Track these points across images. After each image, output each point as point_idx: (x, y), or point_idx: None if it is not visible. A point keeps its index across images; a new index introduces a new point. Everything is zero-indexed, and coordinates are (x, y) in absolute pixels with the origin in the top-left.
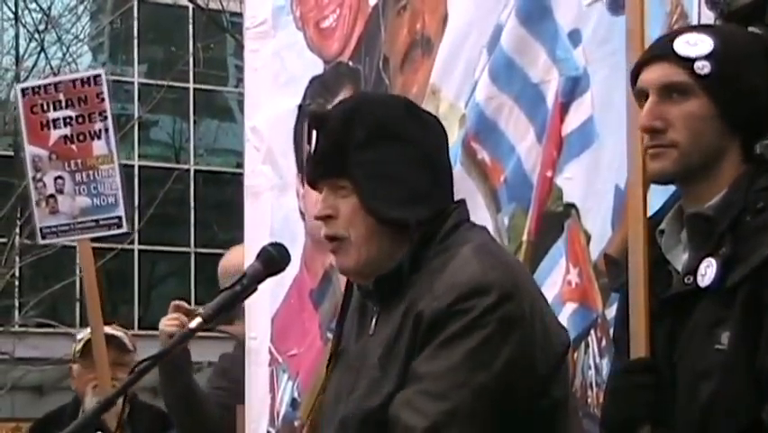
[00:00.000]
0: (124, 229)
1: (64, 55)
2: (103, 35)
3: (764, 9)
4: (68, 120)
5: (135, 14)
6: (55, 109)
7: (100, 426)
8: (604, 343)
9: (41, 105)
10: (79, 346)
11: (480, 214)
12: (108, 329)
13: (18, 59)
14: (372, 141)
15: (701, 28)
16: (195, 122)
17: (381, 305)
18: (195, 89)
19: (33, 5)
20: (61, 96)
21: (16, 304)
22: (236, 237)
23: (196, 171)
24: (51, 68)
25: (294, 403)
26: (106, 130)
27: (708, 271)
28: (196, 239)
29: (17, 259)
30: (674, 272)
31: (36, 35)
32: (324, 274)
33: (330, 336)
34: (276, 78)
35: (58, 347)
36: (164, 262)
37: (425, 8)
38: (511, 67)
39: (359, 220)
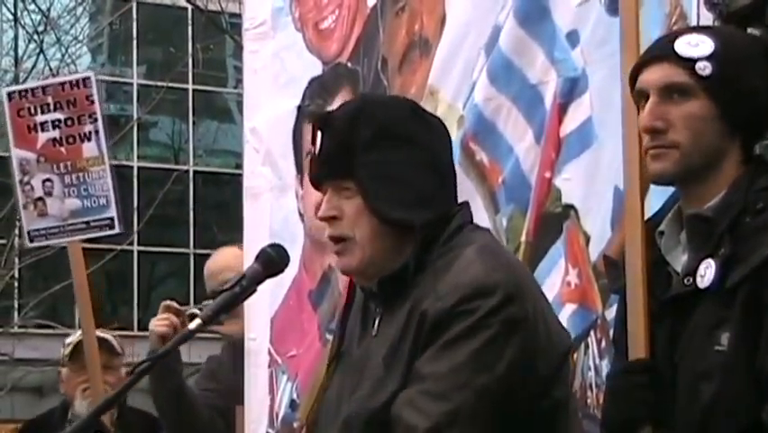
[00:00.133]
0: (117, 230)
1: (63, 56)
2: (102, 36)
3: (763, 10)
4: (56, 123)
5: (134, 16)
6: (43, 112)
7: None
8: (604, 344)
9: (28, 109)
10: (68, 350)
11: (479, 215)
12: (98, 332)
13: (17, 61)
14: (377, 142)
15: (701, 29)
16: (194, 123)
17: (384, 306)
18: (194, 90)
19: (32, 7)
20: (49, 100)
21: (16, 305)
22: (235, 238)
23: (195, 172)
24: (51, 69)
25: (293, 404)
26: (96, 132)
27: (707, 272)
28: (196, 240)
29: (17, 260)
30: (674, 274)
31: (35, 36)
32: (322, 275)
33: (329, 337)
34: (275, 79)
35: (57, 348)
36: (163, 262)
37: (423, 9)
38: (509, 68)
39: (363, 221)
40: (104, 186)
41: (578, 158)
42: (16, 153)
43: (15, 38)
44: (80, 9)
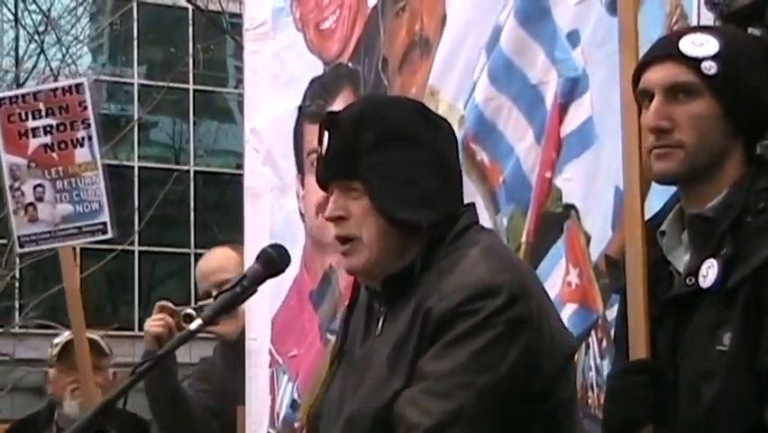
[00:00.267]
0: (109, 235)
1: (64, 56)
2: (102, 36)
3: (763, 10)
4: (48, 129)
5: (135, 16)
6: (34, 118)
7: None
8: (605, 344)
9: (19, 115)
10: (56, 351)
11: (479, 215)
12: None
13: (18, 61)
14: (383, 143)
15: (704, 29)
16: (194, 123)
17: (388, 305)
18: (194, 90)
19: (33, 7)
20: (41, 106)
21: (17, 305)
22: (236, 238)
23: (195, 172)
24: (51, 69)
25: (294, 405)
26: (90, 138)
27: (709, 273)
28: (196, 240)
29: (17, 260)
30: (676, 274)
31: (36, 37)
32: (323, 275)
33: (330, 337)
34: (276, 79)
35: None
36: (164, 263)
37: (424, 9)
38: (510, 68)
39: (370, 221)
40: (96, 191)
41: (578, 158)
42: (6, 159)
43: (16, 38)
44: (81, 9)
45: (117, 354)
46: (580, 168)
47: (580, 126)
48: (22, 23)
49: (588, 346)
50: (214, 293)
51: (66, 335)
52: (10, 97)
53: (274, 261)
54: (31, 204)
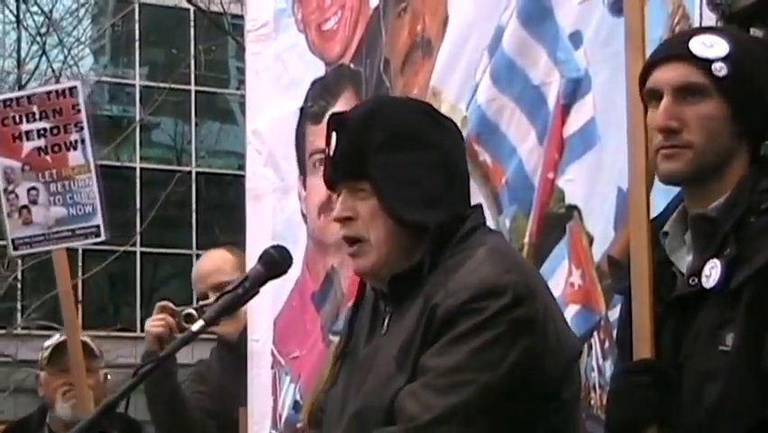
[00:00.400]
0: (102, 237)
1: (65, 58)
2: (104, 38)
3: (766, 10)
4: (42, 132)
5: (136, 17)
6: (28, 121)
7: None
8: (607, 345)
9: (13, 118)
10: (47, 353)
11: None
12: None
13: (20, 63)
14: (392, 143)
15: (711, 30)
16: (196, 124)
17: (395, 305)
18: (196, 92)
19: (35, 8)
20: (35, 109)
21: (19, 307)
22: (238, 240)
23: (197, 174)
24: (53, 71)
25: (296, 406)
26: (83, 141)
27: (712, 273)
28: (198, 241)
29: (19, 262)
30: (679, 274)
31: (38, 38)
32: (325, 276)
33: (332, 338)
34: (277, 80)
35: None
36: (166, 264)
37: (426, 10)
38: (512, 68)
39: (378, 222)
40: (90, 194)
41: (581, 159)
42: (0, 162)
43: (18, 40)
44: (83, 11)
45: (119, 354)
46: (583, 169)
47: (582, 127)
48: (24, 24)
49: (590, 347)
50: (212, 295)
51: (56, 337)
52: (3, 100)
53: (276, 262)
54: (25, 207)
